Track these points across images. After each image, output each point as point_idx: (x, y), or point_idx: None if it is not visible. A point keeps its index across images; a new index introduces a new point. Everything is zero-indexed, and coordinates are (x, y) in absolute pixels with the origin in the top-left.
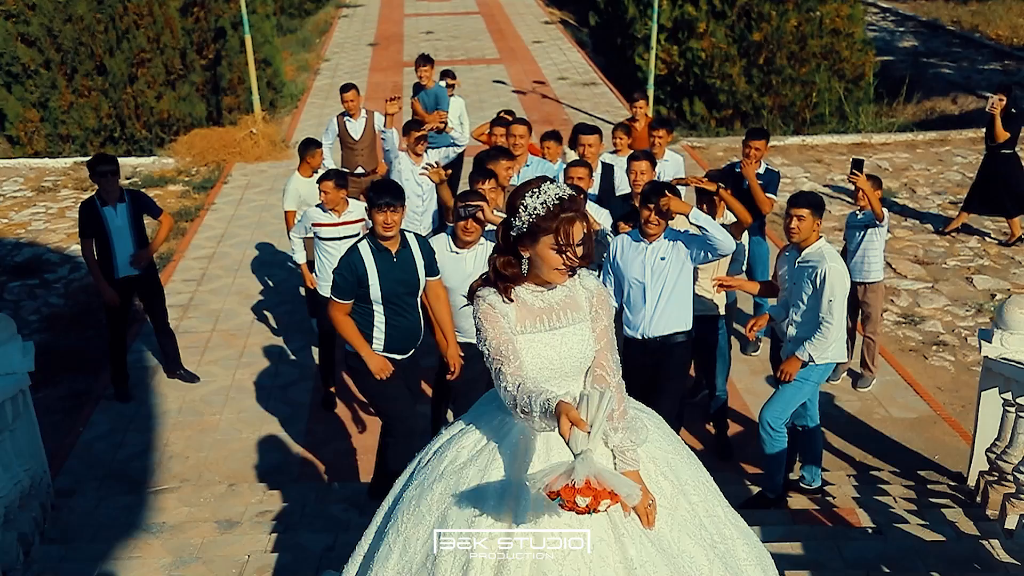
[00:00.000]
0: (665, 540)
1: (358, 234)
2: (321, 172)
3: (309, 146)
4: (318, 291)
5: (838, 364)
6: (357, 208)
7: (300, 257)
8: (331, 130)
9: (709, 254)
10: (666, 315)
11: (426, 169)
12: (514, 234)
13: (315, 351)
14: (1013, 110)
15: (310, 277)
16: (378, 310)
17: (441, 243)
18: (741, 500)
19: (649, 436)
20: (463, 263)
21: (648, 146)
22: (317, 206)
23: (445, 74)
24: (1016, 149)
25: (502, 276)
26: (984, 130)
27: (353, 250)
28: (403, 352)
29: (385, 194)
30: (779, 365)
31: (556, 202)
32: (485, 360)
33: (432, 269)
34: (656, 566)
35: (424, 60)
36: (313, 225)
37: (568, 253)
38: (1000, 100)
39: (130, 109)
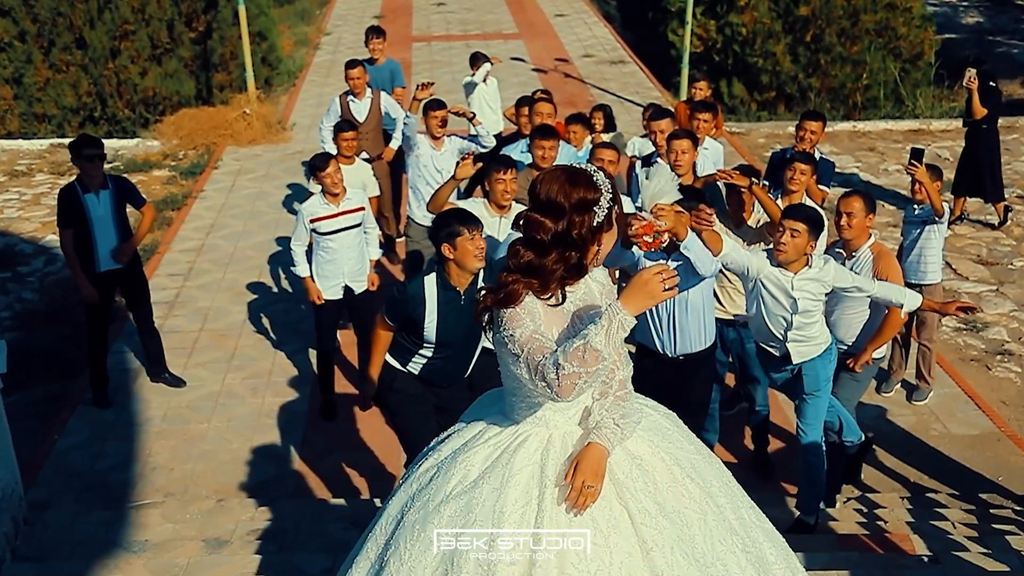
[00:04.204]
0: (699, 549)
1: (359, 224)
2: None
3: (343, 129)
4: (324, 297)
5: (891, 375)
6: (356, 196)
7: (303, 269)
8: (332, 111)
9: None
10: (688, 333)
11: (460, 155)
12: (598, 222)
13: (313, 354)
14: (992, 83)
15: (316, 291)
16: (427, 348)
17: (479, 207)
18: (784, 523)
19: (670, 436)
20: (494, 230)
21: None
22: (322, 192)
23: (478, 57)
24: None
25: (554, 274)
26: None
27: (418, 283)
28: (440, 386)
29: (463, 220)
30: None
31: (601, 173)
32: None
33: None
34: None
35: (375, 32)
36: (311, 222)
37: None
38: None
39: (112, 86)
